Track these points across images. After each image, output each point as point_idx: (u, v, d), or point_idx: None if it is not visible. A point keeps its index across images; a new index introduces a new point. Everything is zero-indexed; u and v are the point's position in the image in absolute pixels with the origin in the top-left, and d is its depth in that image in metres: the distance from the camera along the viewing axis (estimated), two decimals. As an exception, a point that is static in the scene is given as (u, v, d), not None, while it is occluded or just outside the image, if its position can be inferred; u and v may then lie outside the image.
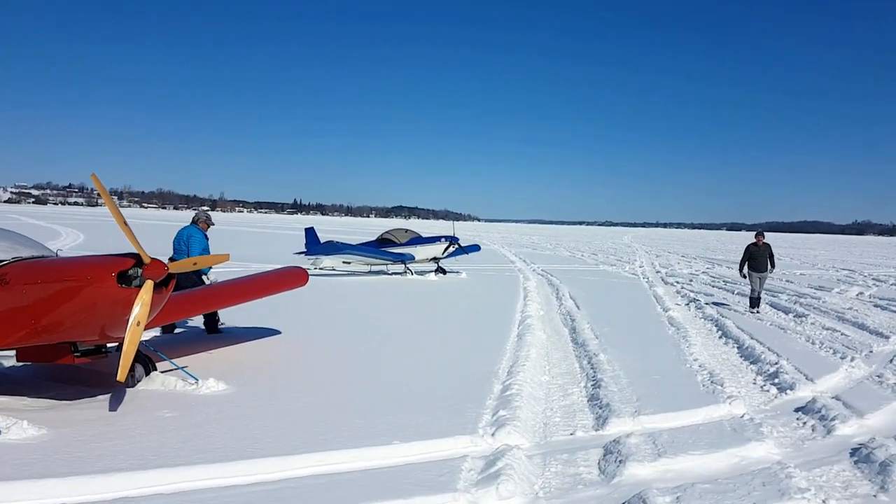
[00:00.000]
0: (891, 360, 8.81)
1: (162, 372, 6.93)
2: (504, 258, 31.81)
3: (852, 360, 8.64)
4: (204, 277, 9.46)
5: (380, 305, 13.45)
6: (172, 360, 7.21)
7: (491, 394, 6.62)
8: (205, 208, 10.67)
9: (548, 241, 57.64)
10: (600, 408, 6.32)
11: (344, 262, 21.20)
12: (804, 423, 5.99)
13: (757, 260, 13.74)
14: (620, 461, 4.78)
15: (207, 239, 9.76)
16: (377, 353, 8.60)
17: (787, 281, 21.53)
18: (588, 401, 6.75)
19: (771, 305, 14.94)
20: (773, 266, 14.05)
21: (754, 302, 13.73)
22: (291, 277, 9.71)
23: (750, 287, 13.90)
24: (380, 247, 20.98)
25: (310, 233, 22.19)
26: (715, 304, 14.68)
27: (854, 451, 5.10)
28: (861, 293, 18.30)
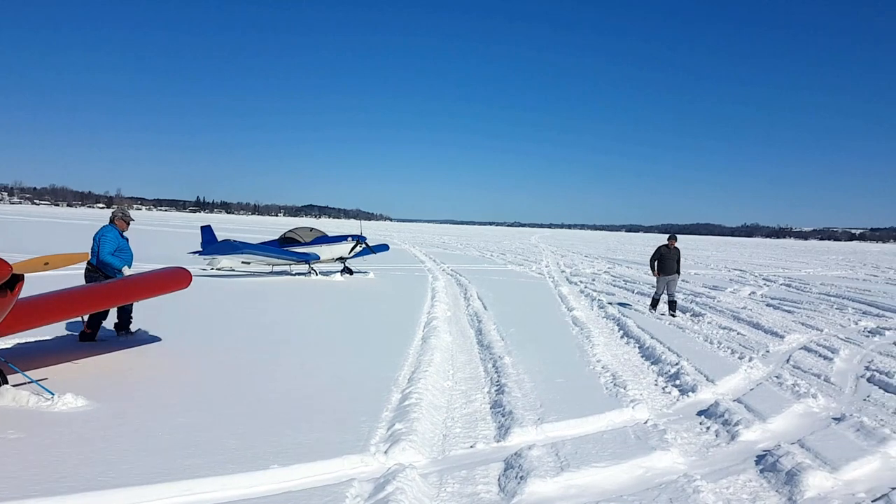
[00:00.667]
0: (787, 360, 9.04)
1: (14, 386, 6.02)
2: (414, 258, 31.43)
3: (750, 360, 8.78)
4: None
5: (279, 308, 12.68)
6: (25, 373, 6.31)
7: (388, 404, 6.15)
8: (123, 206, 9.70)
9: (458, 241, 57.79)
10: (503, 416, 6.00)
11: (243, 263, 20.14)
12: (708, 427, 5.89)
13: (665, 262, 13.70)
14: (521, 477, 4.44)
15: (126, 238, 9.06)
16: (270, 361, 7.93)
17: (683, 280, 22.31)
18: (491, 408, 6.41)
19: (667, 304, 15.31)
20: (678, 272, 13.88)
21: (655, 303, 13.81)
22: (171, 279, 8.81)
23: (657, 288, 13.91)
24: (282, 246, 20.07)
25: (206, 231, 20.94)
26: (616, 303, 14.87)
27: (760, 459, 5.00)
28: (753, 292, 19.17)
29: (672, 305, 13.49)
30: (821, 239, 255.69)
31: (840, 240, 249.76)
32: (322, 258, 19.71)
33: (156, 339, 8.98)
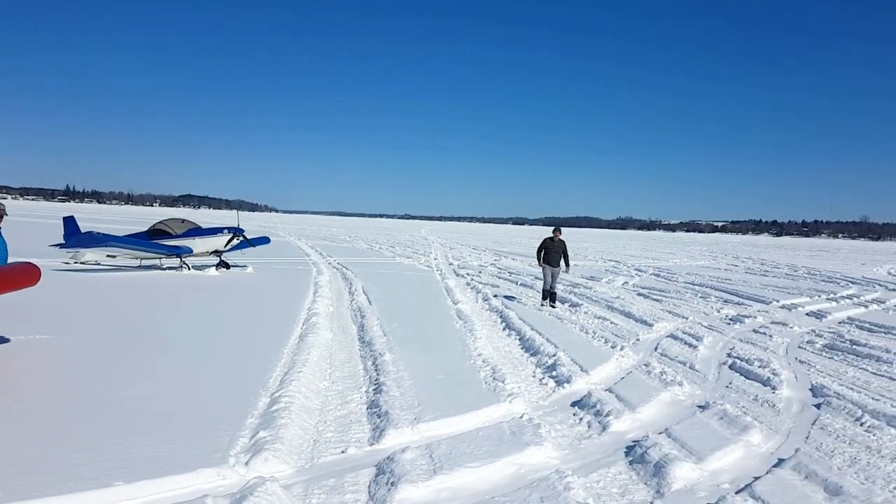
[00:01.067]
0: (655, 348, 9.43)
1: None
2: (298, 251, 30.47)
3: (622, 349, 9.08)
4: None
5: (146, 305, 11.72)
6: None
7: (254, 410, 5.73)
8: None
9: (347, 234, 56.89)
10: (378, 417, 5.76)
11: (108, 256, 18.62)
12: (580, 419, 5.95)
13: (550, 254, 13.76)
14: (392, 483, 4.22)
15: None
16: (130, 365, 7.22)
17: (562, 272, 23.06)
18: (367, 409, 6.16)
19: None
20: (567, 265, 13.94)
21: (546, 294, 13.80)
22: (16, 276, 7.83)
23: (543, 281, 13.91)
24: (151, 238, 18.72)
25: (69, 222, 19.19)
26: (501, 295, 15.05)
27: (629, 450, 5.07)
28: (626, 282, 20.12)
29: (552, 297, 13.67)
30: (687, 231, 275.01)
31: (704, 231, 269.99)
32: (195, 251, 18.58)
33: (4, 339, 7.98)
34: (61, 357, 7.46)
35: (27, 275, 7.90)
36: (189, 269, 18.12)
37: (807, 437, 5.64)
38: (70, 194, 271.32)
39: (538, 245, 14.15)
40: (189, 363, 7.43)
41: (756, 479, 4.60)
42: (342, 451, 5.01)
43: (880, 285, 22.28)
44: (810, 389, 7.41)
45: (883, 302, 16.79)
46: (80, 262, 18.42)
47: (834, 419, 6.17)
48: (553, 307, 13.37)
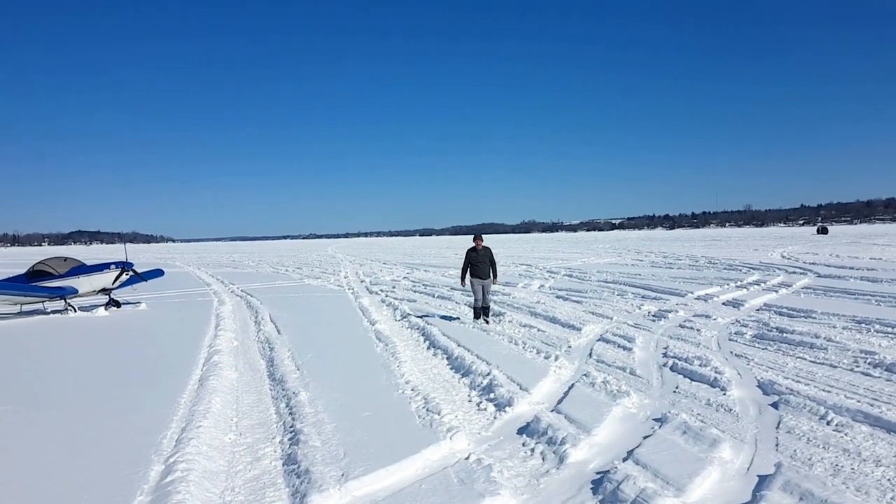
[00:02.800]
0: (589, 354, 8.94)
1: None
2: (198, 280, 28.47)
3: (556, 358, 8.53)
4: None
5: (15, 359, 10.09)
6: None
7: (144, 484, 4.65)
8: None
9: (250, 258, 54.36)
10: (298, 476, 4.83)
11: (-30, 303, 16.46)
12: (532, 450, 5.25)
13: (477, 266, 12.37)
14: (323, 573, 3.34)
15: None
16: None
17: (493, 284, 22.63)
18: (283, 465, 5.21)
19: (468, 306, 15.12)
20: (495, 275, 12.60)
21: (478, 312, 12.43)
22: None
23: (473, 296, 12.51)
24: (31, 280, 16.75)
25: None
26: (418, 312, 14.29)
27: (597, 486, 4.42)
28: (542, 285, 19.86)
29: (486, 311, 12.43)
30: (588, 230, 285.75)
31: (603, 229, 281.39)
32: (81, 291, 16.79)
33: None
34: None
35: None
36: (75, 311, 16.32)
37: (777, 445, 5.20)
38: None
39: (463, 260, 12.64)
40: (64, 431, 6.17)
41: (745, 504, 4.06)
42: (256, 531, 4.07)
43: (779, 269, 23.21)
44: (758, 387, 7.10)
45: (790, 285, 17.31)
46: None
47: (797, 420, 5.80)
48: (487, 322, 12.19)
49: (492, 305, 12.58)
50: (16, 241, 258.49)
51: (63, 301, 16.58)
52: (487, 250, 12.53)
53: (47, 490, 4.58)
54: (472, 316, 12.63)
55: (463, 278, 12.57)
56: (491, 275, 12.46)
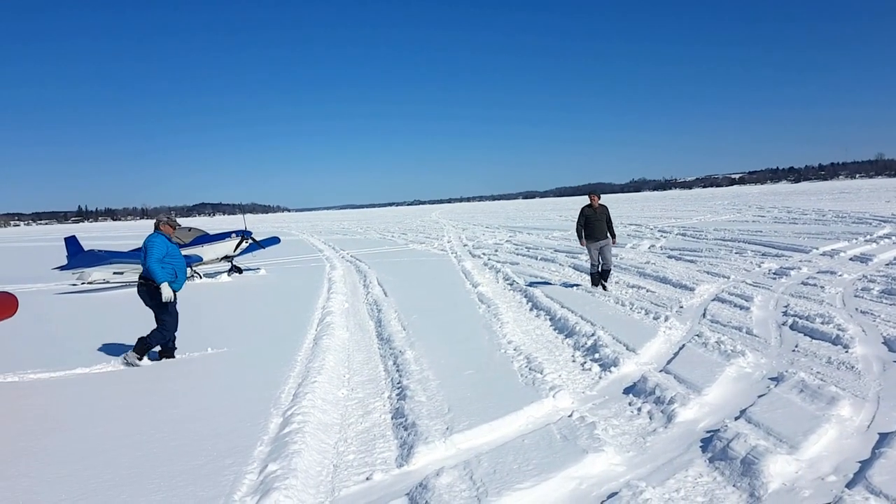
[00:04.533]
0: (703, 315, 8.57)
1: None
2: (311, 247, 29.84)
3: (666, 319, 8.23)
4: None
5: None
6: None
7: (265, 435, 5.00)
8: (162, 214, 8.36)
9: (358, 226, 56.20)
10: (405, 429, 5.01)
11: (115, 273, 18.05)
12: (639, 409, 5.14)
13: (593, 226, 11.28)
14: (429, 520, 3.46)
15: (176, 244, 8.14)
16: (111, 394, 6.55)
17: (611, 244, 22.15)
18: (392, 419, 5.42)
19: (572, 267, 14.88)
20: (613, 236, 11.54)
21: (595, 278, 11.39)
22: None
23: (590, 261, 11.45)
24: None
25: (71, 243, 18.68)
26: (520, 273, 14.23)
27: (706, 444, 4.26)
28: (652, 245, 19.18)
29: (605, 275, 11.32)
30: (704, 186, 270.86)
31: (722, 185, 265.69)
32: (205, 259, 18.03)
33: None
34: (52, 388, 6.79)
35: (3, 306, 7.21)
36: (200, 277, 17.57)
37: (903, 402, 4.80)
38: (83, 214, 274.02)
39: (577, 218, 11.64)
40: (197, 385, 6.73)
41: (863, 464, 3.79)
42: (367, 478, 4.27)
43: (917, 221, 21.13)
44: (884, 343, 6.55)
45: (927, 238, 15.73)
46: (88, 283, 17.93)
47: (926, 377, 5.32)
48: (606, 289, 11.12)
49: (612, 269, 11.74)
50: (144, 213, 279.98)
51: (189, 269, 17.88)
52: (604, 208, 11.55)
53: (174, 440, 5.02)
54: (590, 282, 11.61)
55: (581, 237, 11.55)
56: (609, 235, 11.47)
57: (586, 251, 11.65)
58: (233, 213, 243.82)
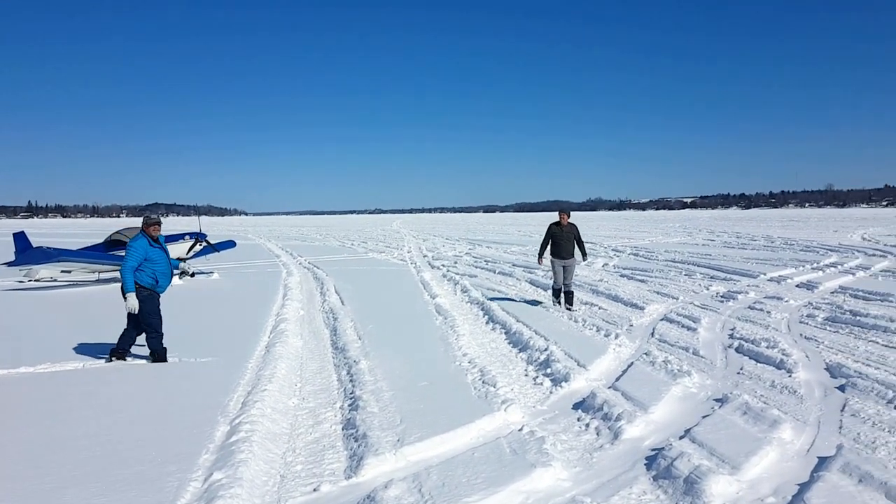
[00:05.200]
0: (651, 334, 8.77)
1: None
2: (268, 253, 29.40)
3: (617, 336, 8.41)
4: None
5: (93, 323, 10.74)
6: None
7: (210, 443, 4.90)
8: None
9: (318, 232, 55.65)
10: (356, 440, 4.98)
11: (63, 272, 17.51)
12: (587, 425, 5.23)
13: (560, 244, 11.08)
14: (375, 532, 3.45)
15: (159, 247, 7.82)
16: (54, 395, 6.34)
17: (578, 263, 22.42)
18: (343, 429, 5.38)
19: (529, 282, 15.04)
20: (584, 254, 11.47)
21: (557, 293, 11.24)
22: None
23: (553, 278, 11.30)
24: (108, 250, 17.66)
25: (19, 239, 18.05)
26: (478, 286, 14.32)
27: (650, 462, 4.36)
28: (606, 264, 19.51)
29: (569, 297, 11.10)
30: (657, 209, 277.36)
31: (674, 208, 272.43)
32: (156, 260, 17.59)
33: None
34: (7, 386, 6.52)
35: None
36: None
37: (840, 428, 5.00)
38: (33, 210, 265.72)
39: (543, 236, 11.41)
40: (138, 390, 6.55)
41: (802, 486, 3.93)
42: (314, 489, 4.22)
43: (858, 251, 22.02)
44: (826, 369, 6.80)
45: (868, 268, 16.41)
46: (35, 280, 17.36)
47: (864, 403, 5.54)
48: (570, 310, 10.82)
49: (548, 281, 11.49)
50: (95, 212, 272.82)
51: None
52: (573, 227, 11.28)
53: (118, 444, 4.88)
54: (552, 300, 11.49)
55: (540, 256, 11.45)
56: (576, 254, 11.25)
57: (550, 268, 11.50)
58: (188, 215, 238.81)
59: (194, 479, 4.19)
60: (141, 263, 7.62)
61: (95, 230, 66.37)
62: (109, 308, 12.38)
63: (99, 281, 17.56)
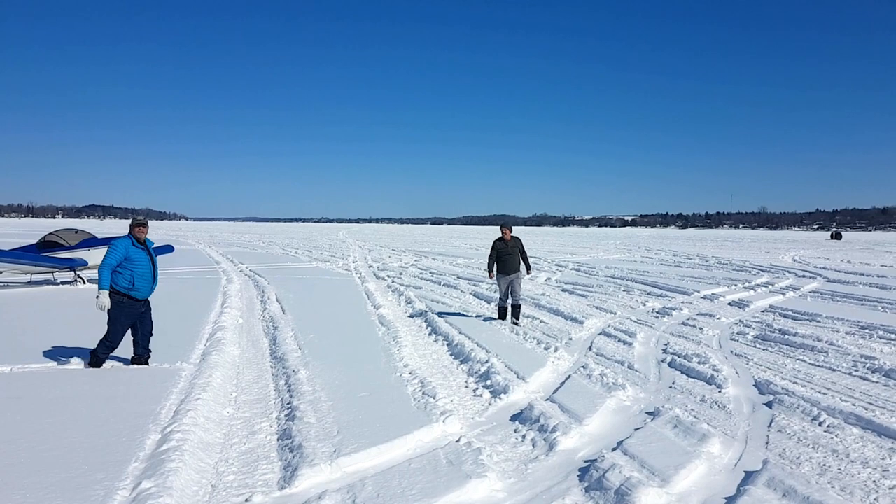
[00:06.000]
0: (589, 348, 8.97)
1: None
2: (208, 259, 28.67)
3: (556, 350, 8.57)
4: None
5: (26, 325, 10.25)
6: None
7: (140, 452, 4.75)
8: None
9: (261, 240, 54.61)
10: (291, 451, 4.91)
11: (-7, 273, 16.70)
12: (523, 436, 5.31)
13: (504, 259, 11.11)
14: (307, 543, 3.41)
15: (143, 248, 7.78)
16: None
17: (524, 277, 22.65)
18: (278, 440, 5.29)
19: (473, 295, 15.16)
20: (528, 267, 11.55)
21: (504, 311, 11.26)
22: None
23: (498, 292, 11.35)
24: (42, 251, 16.94)
25: (-55, 238, 17.12)
26: (423, 298, 14.35)
27: (583, 474, 4.45)
28: (549, 278, 19.87)
29: (516, 311, 11.06)
30: (599, 226, 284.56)
31: (615, 226, 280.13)
32: (91, 263, 16.92)
33: None
34: None
35: None
36: (84, 282, 16.52)
37: (766, 443, 5.22)
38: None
39: (489, 251, 11.48)
40: (66, 395, 6.29)
41: (729, 500, 4.09)
42: (245, 500, 4.15)
43: (789, 272, 23.09)
44: (755, 386, 7.10)
45: (797, 289, 17.23)
46: None
47: (790, 420, 5.81)
48: (516, 324, 10.81)
49: (493, 294, 11.68)
50: (30, 212, 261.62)
51: (73, 272, 16.78)
52: (517, 241, 11.39)
53: (46, 452, 4.68)
54: (497, 314, 11.49)
55: (490, 269, 11.48)
56: (522, 268, 11.29)
57: (496, 283, 11.53)
58: (125, 218, 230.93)
59: (122, 488, 4.05)
60: (120, 263, 7.49)
61: (29, 230, 63.40)
62: (35, 311, 11.86)
63: (31, 283, 16.82)
